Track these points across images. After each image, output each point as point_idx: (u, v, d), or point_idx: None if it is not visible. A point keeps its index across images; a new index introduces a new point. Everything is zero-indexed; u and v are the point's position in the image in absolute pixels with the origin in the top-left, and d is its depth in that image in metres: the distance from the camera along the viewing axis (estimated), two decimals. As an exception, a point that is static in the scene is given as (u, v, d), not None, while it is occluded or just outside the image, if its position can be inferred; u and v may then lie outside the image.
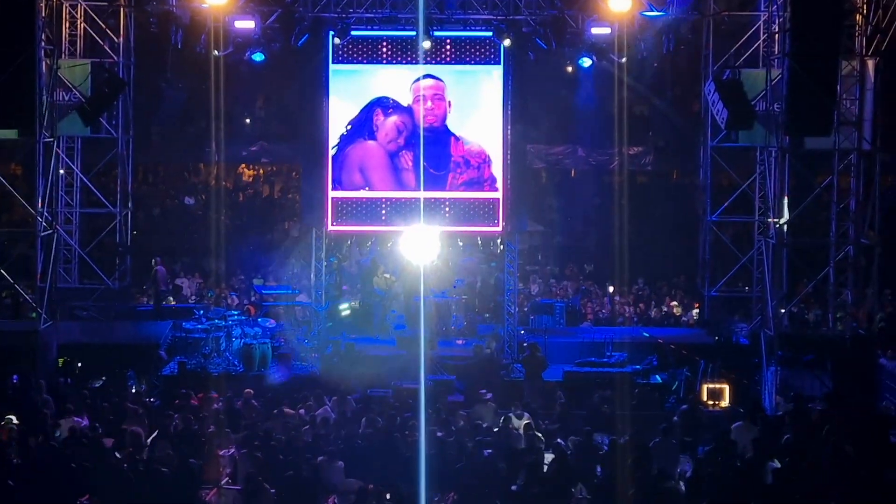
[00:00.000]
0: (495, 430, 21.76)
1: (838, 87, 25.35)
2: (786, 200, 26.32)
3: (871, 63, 26.90)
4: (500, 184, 29.60)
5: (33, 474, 18.25)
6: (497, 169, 29.58)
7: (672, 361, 27.87)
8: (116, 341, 28.88)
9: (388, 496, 17.55)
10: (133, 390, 25.99)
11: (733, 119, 26.99)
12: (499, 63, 29.39)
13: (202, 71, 30.53)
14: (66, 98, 29.36)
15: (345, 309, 30.79)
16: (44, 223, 27.29)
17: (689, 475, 19.46)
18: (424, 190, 29.28)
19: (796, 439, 20.67)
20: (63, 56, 29.70)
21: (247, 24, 28.71)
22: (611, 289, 34.62)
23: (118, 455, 19.30)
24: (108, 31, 30.58)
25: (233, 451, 19.92)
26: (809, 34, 24.25)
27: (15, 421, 20.66)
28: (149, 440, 20.65)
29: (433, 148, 29.45)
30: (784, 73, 25.11)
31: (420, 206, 29.17)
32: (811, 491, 18.06)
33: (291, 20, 28.61)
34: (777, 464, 19.50)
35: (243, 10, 28.62)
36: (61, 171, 30.58)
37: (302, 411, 23.05)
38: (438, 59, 29.41)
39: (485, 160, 29.60)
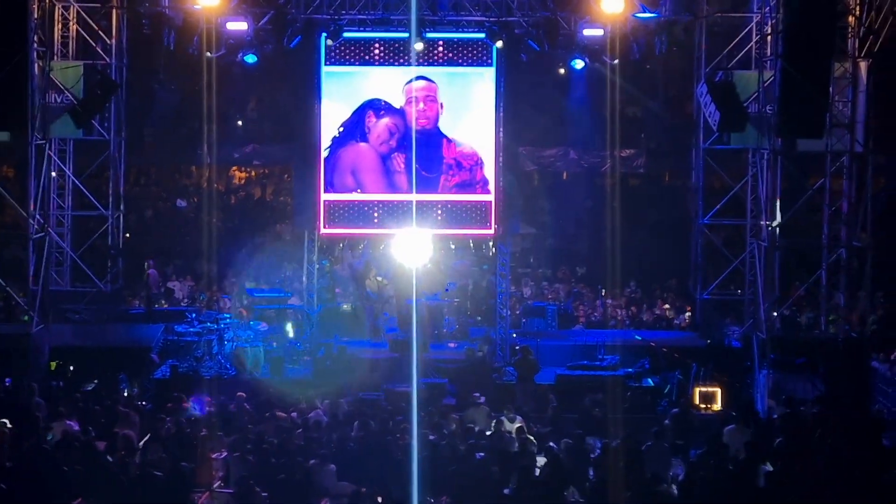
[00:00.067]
0: (488, 433, 21.74)
1: (831, 89, 25.39)
2: (778, 203, 26.32)
3: (863, 65, 26.91)
4: (492, 186, 29.58)
5: (25, 477, 18.19)
6: (489, 171, 29.56)
7: (664, 365, 27.85)
8: (108, 344, 28.83)
9: (380, 499, 17.51)
10: (125, 394, 25.93)
11: (725, 121, 26.98)
12: (491, 65, 29.38)
13: (194, 72, 30.47)
14: (59, 100, 29.29)
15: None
16: (36, 226, 27.25)
17: (681, 478, 19.46)
18: (416, 192, 29.26)
19: (789, 442, 20.66)
20: (55, 58, 29.62)
21: (239, 26, 28.69)
22: (603, 292, 34.59)
23: (110, 458, 19.26)
24: (101, 33, 30.50)
25: (225, 454, 19.89)
26: (802, 36, 24.23)
27: (9, 425, 20.60)
28: (141, 443, 20.60)
29: (425, 150, 29.42)
30: (776, 74, 25.11)
31: (412, 209, 29.15)
32: (803, 494, 18.06)
33: (284, 22, 28.59)
34: (769, 467, 19.49)
35: (236, 12, 28.59)
36: (53, 174, 30.51)
37: (294, 414, 23.02)
38: (431, 60, 29.39)
39: (477, 162, 29.59)
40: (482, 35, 28.87)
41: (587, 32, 28.83)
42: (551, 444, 20.93)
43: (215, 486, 18.67)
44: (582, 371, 27.36)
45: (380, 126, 29.50)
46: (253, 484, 17.87)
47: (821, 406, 23.59)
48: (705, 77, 29.02)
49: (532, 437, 21.46)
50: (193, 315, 29.90)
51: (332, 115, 29.58)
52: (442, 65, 29.48)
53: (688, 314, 32.69)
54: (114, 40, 30.54)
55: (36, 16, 26.59)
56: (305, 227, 29.94)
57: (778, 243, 26.40)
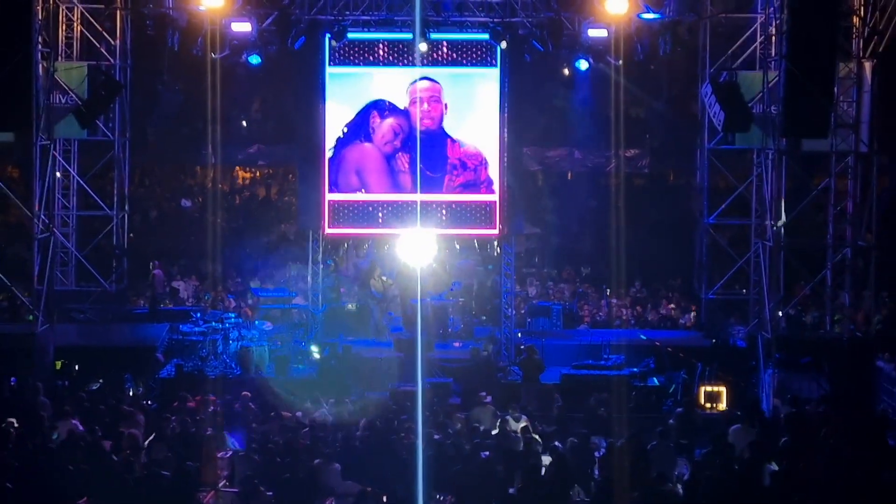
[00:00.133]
0: (493, 432, 21.74)
1: (835, 90, 25.36)
2: (783, 202, 26.31)
3: (868, 65, 26.89)
4: (496, 186, 29.59)
5: (31, 477, 18.21)
6: (494, 171, 29.57)
7: (669, 364, 27.84)
8: (113, 344, 28.91)
9: (385, 499, 17.52)
10: (130, 393, 25.95)
11: (730, 121, 26.99)
12: (495, 65, 29.38)
13: (199, 73, 30.51)
14: (63, 100, 29.34)
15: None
16: (40, 226, 27.25)
17: (686, 478, 19.46)
18: (421, 192, 29.26)
19: (794, 442, 20.65)
20: (60, 58, 29.66)
21: (243, 27, 28.69)
22: (608, 291, 34.59)
23: (115, 458, 19.28)
24: (105, 34, 30.54)
25: (230, 453, 19.90)
26: (806, 36, 24.23)
27: (16, 424, 20.63)
28: (146, 443, 20.62)
29: (429, 150, 29.44)
30: (781, 75, 25.10)
31: (417, 209, 29.15)
32: (809, 493, 18.05)
33: (288, 23, 28.60)
34: (775, 466, 19.49)
35: (240, 13, 28.60)
36: (58, 174, 30.52)
37: (299, 414, 23.04)
38: (435, 61, 29.40)
39: (481, 162, 29.59)
40: (486, 36, 28.85)
41: (591, 33, 28.83)
42: (556, 443, 20.92)
43: (220, 485, 18.68)
44: (587, 371, 27.35)
45: (384, 126, 29.51)
46: (257, 483, 17.89)
47: (826, 405, 23.58)
48: (710, 77, 29.02)
49: (537, 437, 21.48)
50: (198, 314, 29.93)
51: (336, 115, 29.59)
52: (446, 65, 29.48)
53: (693, 314, 32.67)
54: (118, 41, 30.57)
55: (40, 17, 26.57)
56: (310, 226, 29.96)
57: (783, 243, 26.38)
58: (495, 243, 30.64)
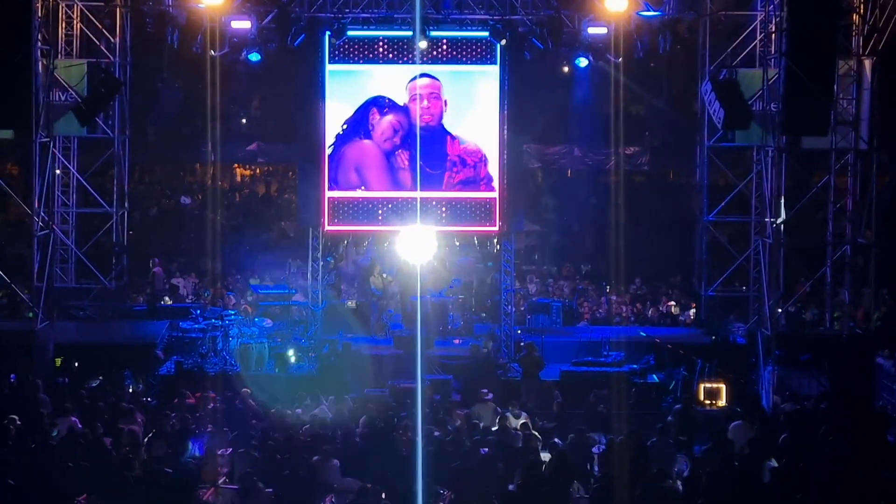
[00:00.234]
0: (493, 429, 21.75)
1: (835, 87, 25.33)
2: (782, 200, 26.31)
3: (867, 63, 26.90)
4: (496, 183, 29.58)
5: (31, 474, 18.22)
6: (493, 168, 29.57)
7: (669, 361, 27.86)
8: (113, 341, 28.94)
9: (384, 496, 17.53)
10: (130, 390, 25.97)
11: (730, 119, 26.97)
12: (495, 63, 29.37)
13: (198, 71, 30.52)
14: (63, 98, 29.33)
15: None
16: (40, 223, 27.25)
17: (685, 474, 19.47)
18: (420, 189, 29.27)
19: (793, 439, 20.67)
20: (59, 56, 29.66)
21: (243, 25, 28.72)
22: (607, 288, 34.60)
23: (115, 454, 19.29)
24: (105, 31, 30.54)
25: (230, 450, 19.91)
26: (806, 34, 24.18)
27: (18, 421, 20.64)
28: (146, 439, 20.63)
29: (429, 147, 29.43)
30: (781, 72, 25.07)
31: (417, 206, 29.16)
32: (808, 490, 18.04)
33: (287, 20, 28.59)
34: (774, 463, 19.51)
35: (239, 11, 28.63)
36: (58, 171, 30.50)
37: (299, 411, 23.05)
38: (434, 58, 29.38)
39: (481, 159, 29.58)
40: (486, 33, 28.85)
41: (591, 31, 28.86)
42: (556, 440, 20.94)
43: (220, 482, 18.68)
44: (587, 367, 27.41)
45: (384, 123, 29.51)
46: (255, 480, 17.89)
47: (825, 402, 23.59)
48: (709, 75, 29.03)
49: (537, 433, 21.48)
50: (198, 312, 29.92)
51: (336, 113, 29.57)
52: (446, 63, 29.46)
53: (693, 311, 32.69)
54: (118, 39, 30.56)
55: (40, 14, 26.55)
56: (310, 224, 29.96)
57: (782, 240, 26.36)
58: (495, 240, 30.67)
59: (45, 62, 27.31)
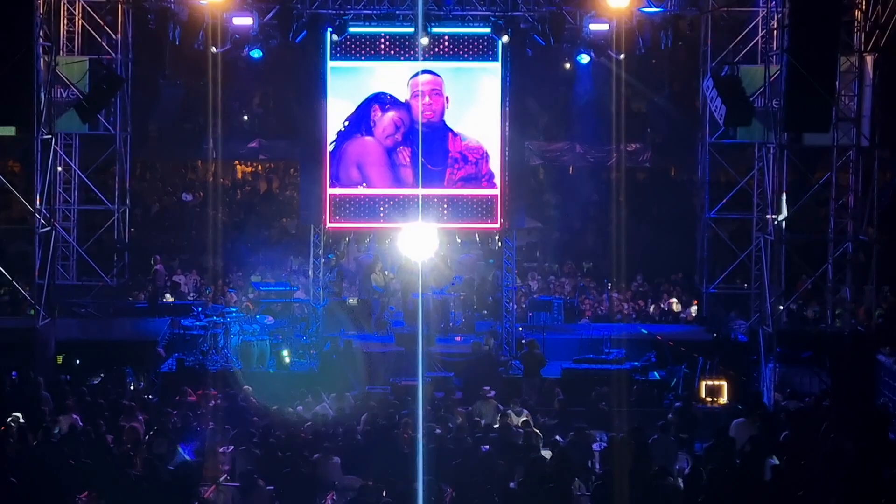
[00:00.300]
0: (495, 426, 21.74)
1: (837, 84, 25.29)
2: (784, 197, 26.30)
3: (869, 59, 26.85)
4: (497, 180, 29.56)
5: (33, 471, 18.21)
6: (495, 165, 29.55)
7: (670, 358, 27.87)
8: (115, 338, 28.94)
9: (385, 493, 17.52)
10: (131, 387, 25.94)
11: (731, 115, 26.95)
12: (497, 59, 29.35)
13: (200, 68, 30.57)
14: (64, 95, 29.35)
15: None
16: (42, 220, 27.23)
17: (687, 472, 19.46)
18: (422, 185, 29.25)
19: (795, 436, 20.65)
20: (61, 53, 29.66)
21: (245, 21, 28.71)
22: (609, 285, 34.59)
23: (117, 452, 19.28)
24: (106, 28, 30.56)
25: (231, 447, 19.91)
26: (808, 30, 24.15)
27: (21, 419, 20.64)
28: (147, 437, 20.62)
29: (431, 143, 29.42)
30: (782, 69, 25.03)
31: (418, 203, 29.15)
32: (810, 488, 18.04)
33: (289, 17, 28.59)
34: (776, 460, 19.48)
35: (241, 7, 28.62)
36: (59, 168, 30.55)
37: (300, 408, 23.04)
38: (436, 55, 29.36)
39: (482, 156, 29.57)
40: (488, 30, 28.84)
41: (593, 27, 28.85)
42: (557, 437, 20.92)
43: (221, 479, 18.68)
44: (588, 365, 27.40)
45: (385, 120, 29.49)
46: (256, 478, 17.88)
47: (827, 400, 23.58)
48: (711, 71, 29.03)
49: (538, 431, 21.47)
50: (199, 309, 29.98)
51: (338, 109, 29.56)
52: (447, 59, 29.45)
53: (694, 308, 32.69)
54: (119, 35, 30.60)
55: (42, 11, 26.52)
56: (311, 221, 29.96)
57: (784, 237, 26.35)
58: (496, 237, 30.63)
59: (46, 59, 27.28)
